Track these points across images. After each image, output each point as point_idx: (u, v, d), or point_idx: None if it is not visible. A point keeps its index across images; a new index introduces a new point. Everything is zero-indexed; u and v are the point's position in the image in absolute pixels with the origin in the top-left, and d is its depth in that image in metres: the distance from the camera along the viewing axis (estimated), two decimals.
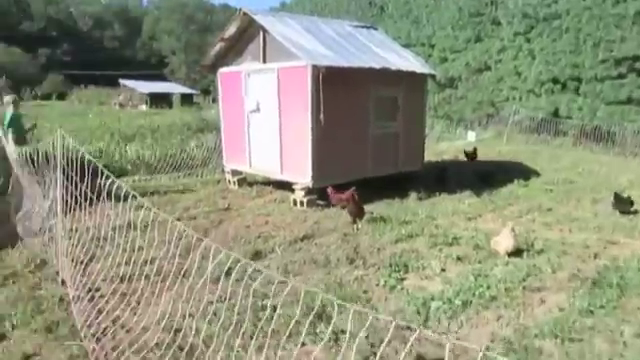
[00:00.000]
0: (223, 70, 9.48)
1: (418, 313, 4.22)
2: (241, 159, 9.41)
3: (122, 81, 48.47)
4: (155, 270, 4.19)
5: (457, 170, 11.51)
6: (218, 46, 9.16)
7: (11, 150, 6.80)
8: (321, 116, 7.57)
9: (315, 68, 7.39)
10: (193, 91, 55.44)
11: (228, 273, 4.96)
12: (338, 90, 7.75)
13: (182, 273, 4.96)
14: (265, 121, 8.65)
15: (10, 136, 7.66)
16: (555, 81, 16.73)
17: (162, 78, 67.16)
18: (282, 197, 8.73)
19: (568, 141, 16.87)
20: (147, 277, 4.28)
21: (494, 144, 17.52)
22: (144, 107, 43.63)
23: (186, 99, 47.93)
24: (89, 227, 5.30)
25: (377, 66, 8.15)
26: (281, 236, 6.39)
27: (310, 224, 6.99)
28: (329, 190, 7.49)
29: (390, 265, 5.35)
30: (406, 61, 9.22)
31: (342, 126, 8.04)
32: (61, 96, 50.05)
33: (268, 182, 9.84)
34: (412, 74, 9.01)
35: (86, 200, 5.03)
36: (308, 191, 7.96)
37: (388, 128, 9.06)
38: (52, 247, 5.05)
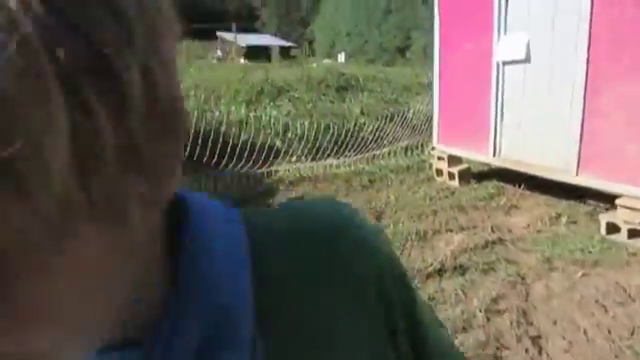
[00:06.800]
0: None
1: None
2: (476, 141, 5.77)
3: (220, 34, 46.25)
4: None
5: None
6: None
7: None
8: None
9: None
10: (290, 44, 52.30)
11: None
12: None
13: None
14: (542, 80, 4.91)
15: None
16: None
17: (255, 31, 64.71)
18: (568, 211, 5.00)
19: None
20: None
21: None
22: (242, 60, 41.41)
23: (283, 52, 44.91)
24: None
25: None
26: None
27: None
28: None
29: None
30: None
31: None
32: None
33: (490, 173, 6.27)
34: None
35: None
36: None
37: None
38: None
